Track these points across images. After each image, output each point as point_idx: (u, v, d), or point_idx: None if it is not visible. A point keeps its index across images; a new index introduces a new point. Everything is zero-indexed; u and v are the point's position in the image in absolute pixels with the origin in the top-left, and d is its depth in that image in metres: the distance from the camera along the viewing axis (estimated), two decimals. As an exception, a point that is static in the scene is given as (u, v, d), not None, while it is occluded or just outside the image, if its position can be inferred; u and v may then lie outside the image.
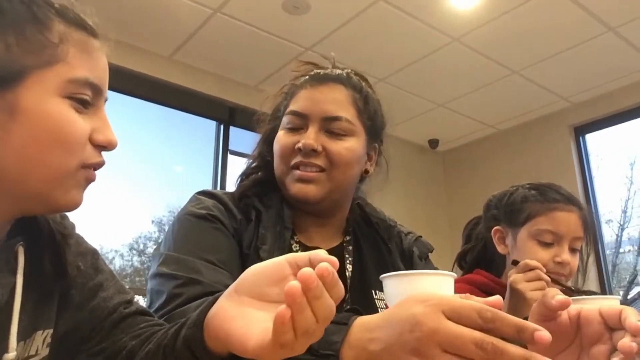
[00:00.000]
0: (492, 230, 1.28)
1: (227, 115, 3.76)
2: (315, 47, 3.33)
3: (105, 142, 0.60)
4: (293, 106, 0.94)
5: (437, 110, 4.19)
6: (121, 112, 3.30)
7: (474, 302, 0.51)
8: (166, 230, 0.89)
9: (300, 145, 0.89)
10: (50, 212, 0.63)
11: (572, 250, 1.21)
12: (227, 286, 0.76)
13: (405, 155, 4.53)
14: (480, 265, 1.33)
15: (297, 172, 0.90)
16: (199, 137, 3.79)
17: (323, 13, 3.05)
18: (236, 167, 3.75)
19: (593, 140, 4.18)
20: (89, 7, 0.62)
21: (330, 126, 0.91)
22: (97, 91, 0.60)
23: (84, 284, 0.68)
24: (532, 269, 1.09)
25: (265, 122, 1.02)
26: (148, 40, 3.30)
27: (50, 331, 0.63)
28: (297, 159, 0.90)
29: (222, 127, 3.78)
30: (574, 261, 1.21)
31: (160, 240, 0.90)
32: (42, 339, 0.62)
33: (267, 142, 0.99)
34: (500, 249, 1.27)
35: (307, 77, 0.97)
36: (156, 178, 3.62)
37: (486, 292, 1.20)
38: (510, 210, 1.26)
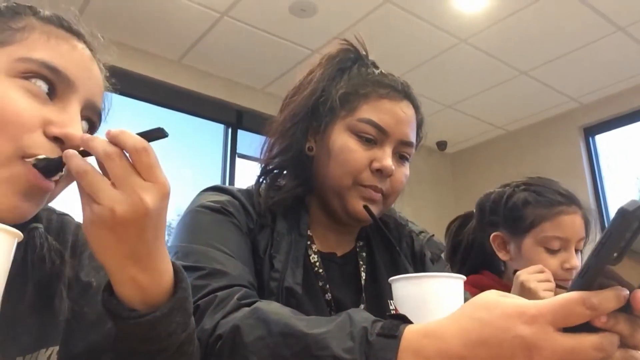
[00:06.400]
0: (491, 237, 1.25)
1: (235, 119, 3.77)
2: (322, 49, 3.33)
3: (61, 135, 0.53)
4: (373, 115, 0.86)
5: (445, 111, 4.18)
6: (128, 116, 3.32)
7: (572, 295, 0.47)
8: (176, 223, 0.86)
9: (380, 166, 0.84)
10: None
11: (576, 251, 1.20)
12: (249, 281, 0.74)
13: (413, 157, 4.49)
14: (486, 266, 1.31)
15: (365, 191, 0.85)
16: (207, 140, 3.80)
17: (330, 15, 3.05)
18: (244, 170, 3.76)
19: (603, 141, 4.14)
20: (91, 25, 0.61)
21: (401, 149, 0.89)
22: (64, 81, 0.55)
23: (98, 301, 0.62)
24: (542, 271, 1.12)
25: (304, 96, 0.90)
26: (156, 45, 3.32)
27: (56, 348, 0.60)
28: (370, 181, 0.85)
29: (229, 130, 3.79)
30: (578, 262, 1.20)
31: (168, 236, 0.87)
32: (46, 357, 0.59)
33: (305, 129, 0.89)
34: (501, 255, 1.24)
35: (386, 83, 0.90)
36: (164, 181, 3.62)
37: None
38: (512, 217, 1.22)
